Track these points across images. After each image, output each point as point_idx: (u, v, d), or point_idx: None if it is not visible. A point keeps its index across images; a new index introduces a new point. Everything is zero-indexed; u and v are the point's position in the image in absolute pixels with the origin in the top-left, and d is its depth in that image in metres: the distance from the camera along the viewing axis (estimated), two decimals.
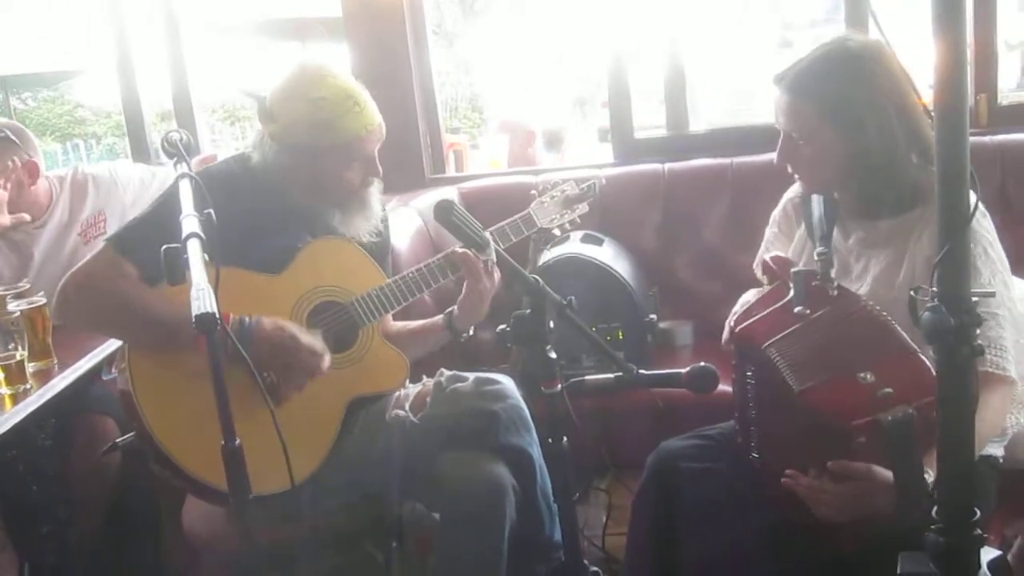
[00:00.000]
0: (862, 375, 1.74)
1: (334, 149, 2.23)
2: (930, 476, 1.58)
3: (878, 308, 1.86)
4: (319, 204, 2.33)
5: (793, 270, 1.94)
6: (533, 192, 2.50)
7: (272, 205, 2.27)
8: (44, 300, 2.51)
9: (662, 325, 3.32)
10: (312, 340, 2.16)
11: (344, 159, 2.25)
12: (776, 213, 2.32)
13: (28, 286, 2.62)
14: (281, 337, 2.12)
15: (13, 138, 3.03)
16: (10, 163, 2.99)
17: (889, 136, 1.94)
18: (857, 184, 2.03)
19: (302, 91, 2.21)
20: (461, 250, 2.27)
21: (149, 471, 2.27)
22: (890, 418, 1.64)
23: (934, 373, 1.39)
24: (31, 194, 3.08)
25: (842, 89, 1.94)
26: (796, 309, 1.89)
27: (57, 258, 3.10)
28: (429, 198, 3.37)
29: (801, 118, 1.99)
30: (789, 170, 2.09)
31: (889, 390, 1.70)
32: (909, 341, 1.78)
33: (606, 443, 2.64)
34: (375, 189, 2.37)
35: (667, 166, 3.57)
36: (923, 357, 1.73)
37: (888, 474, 1.69)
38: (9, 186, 2.99)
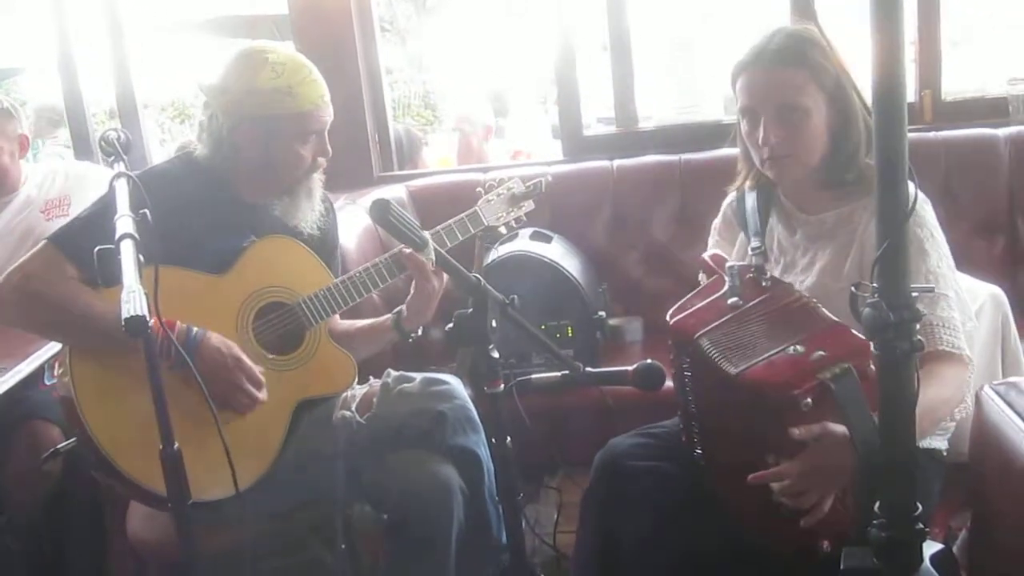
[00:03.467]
0: (792, 349, 1.76)
1: (292, 118, 2.18)
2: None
3: (813, 300, 1.87)
4: (267, 189, 2.30)
5: (728, 264, 1.95)
6: (479, 190, 2.48)
7: (217, 203, 2.24)
8: None
9: (612, 322, 3.32)
10: (254, 369, 2.14)
11: (300, 130, 2.21)
12: (716, 221, 2.32)
13: None
14: (225, 357, 2.09)
15: (12, 111, 3.26)
16: (10, 131, 3.23)
17: (862, 109, 1.96)
18: (831, 161, 2.02)
19: (259, 59, 2.17)
20: (408, 250, 2.25)
21: (92, 477, 2.23)
22: (829, 375, 1.66)
23: (863, 337, 1.41)
24: (18, 166, 3.26)
25: (822, 61, 1.95)
26: (730, 301, 1.90)
27: (15, 231, 3.20)
28: (378, 196, 3.35)
29: (798, 87, 1.97)
30: (766, 154, 2.03)
31: (821, 352, 1.71)
32: (831, 316, 1.80)
33: (556, 441, 2.62)
34: (319, 177, 2.34)
35: (616, 163, 3.58)
36: (848, 328, 1.74)
37: (841, 428, 1.68)
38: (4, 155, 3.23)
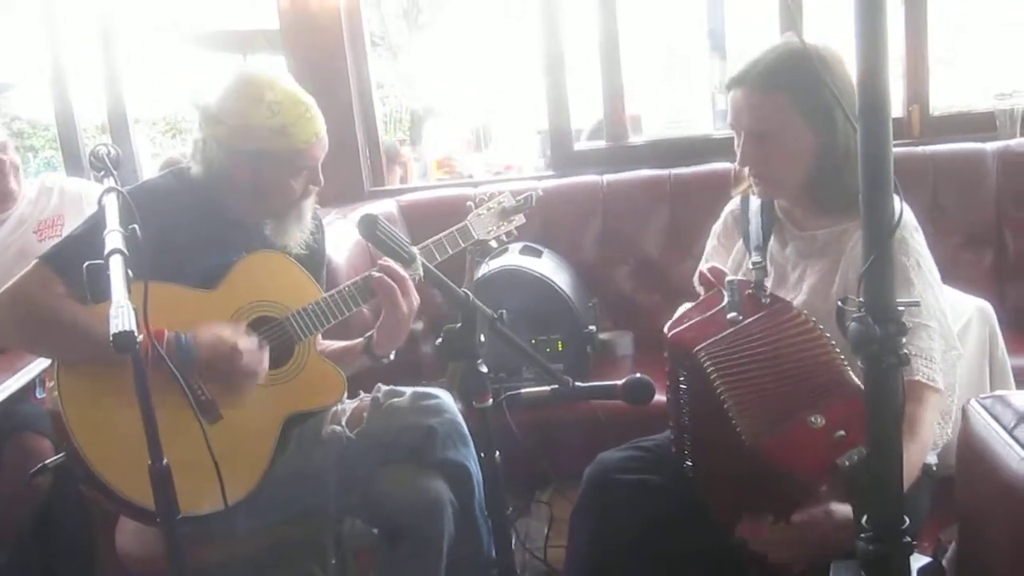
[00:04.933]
0: (812, 419, 1.71)
1: (284, 155, 2.18)
2: None
3: (813, 319, 1.86)
4: (256, 213, 2.30)
5: (727, 279, 1.94)
6: (470, 204, 2.49)
7: (207, 219, 2.24)
8: None
9: (602, 336, 3.33)
10: (249, 343, 2.13)
11: (292, 166, 2.21)
12: (717, 226, 2.32)
13: None
14: (219, 348, 2.09)
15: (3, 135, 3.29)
16: (11, 151, 3.26)
17: (853, 130, 1.94)
18: (816, 184, 2.02)
19: (256, 94, 2.15)
20: (377, 275, 2.25)
21: (80, 491, 2.23)
22: (847, 463, 1.62)
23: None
24: (9, 185, 3.25)
25: (811, 81, 1.90)
26: (729, 316, 1.88)
27: (8, 251, 3.18)
28: (368, 210, 3.36)
29: (773, 113, 1.96)
30: (746, 173, 2.06)
31: (842, 433, 1.67)
32: (846, 367, 1.76)
33: (546, 455, 2.62)
34: (310, 201, 2.34)
35: (606, 177, 3.60)
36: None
37: (845, 508, 1.68)
38: None
